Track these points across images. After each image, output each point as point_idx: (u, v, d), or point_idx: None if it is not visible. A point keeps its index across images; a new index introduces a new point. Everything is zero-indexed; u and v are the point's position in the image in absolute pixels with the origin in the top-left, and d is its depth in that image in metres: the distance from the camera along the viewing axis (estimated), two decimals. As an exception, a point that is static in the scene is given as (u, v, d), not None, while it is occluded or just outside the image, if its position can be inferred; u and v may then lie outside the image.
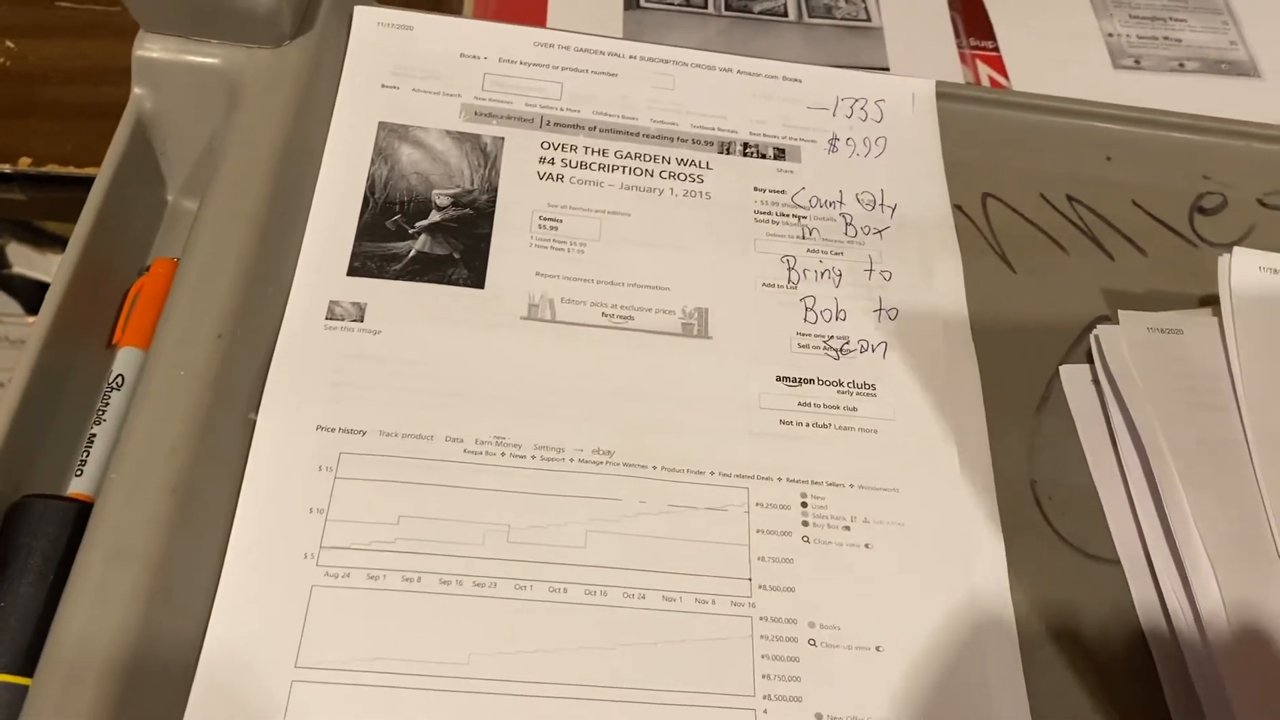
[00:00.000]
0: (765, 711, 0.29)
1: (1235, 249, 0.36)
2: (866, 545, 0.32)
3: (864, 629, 0.31)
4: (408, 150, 0.38)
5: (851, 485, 0.33)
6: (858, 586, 0.31)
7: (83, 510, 0.30)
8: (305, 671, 0.28)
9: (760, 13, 0.54)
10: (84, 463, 0.32)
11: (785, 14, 0.54)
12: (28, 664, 0.28)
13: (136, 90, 0.37)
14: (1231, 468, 0.33)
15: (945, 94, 0.42)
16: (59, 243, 0.85)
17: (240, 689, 0.28)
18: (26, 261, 0.87)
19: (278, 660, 0.28)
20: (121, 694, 0.26)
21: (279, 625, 0.29)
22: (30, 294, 0.90)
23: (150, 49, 0.37)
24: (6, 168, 0.49)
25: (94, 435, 0.33)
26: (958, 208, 0.40)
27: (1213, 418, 0.34)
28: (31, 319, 0.90)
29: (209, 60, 0.37)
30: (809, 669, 0.30)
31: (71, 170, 0.47)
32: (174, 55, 0.37)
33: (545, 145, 0.39)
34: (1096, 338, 0.36)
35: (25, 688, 0.27)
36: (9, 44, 0.51)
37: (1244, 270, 0.36)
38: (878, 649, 0.31)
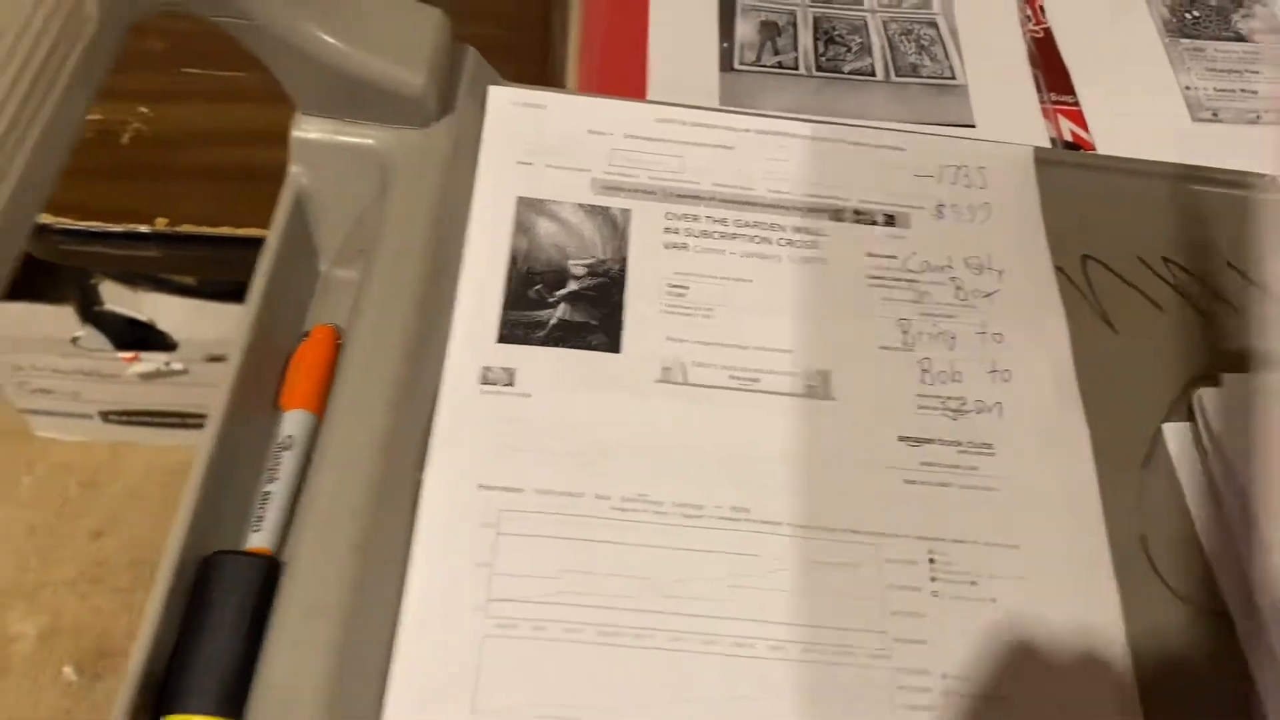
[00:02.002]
0: (904, 756, 0.31)
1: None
2: (992, 600, 0.34)
3: (993, 679, 0.33)
4: (544, 223, 0.40)
5: (974, 542, 0.35)
6: (986, 638, 0.33)
7: (270, 564, 0.33)
8: (482, 717, 0.30)
9: (849, 72, 0.56)
10: (260, 519, 0.35)
11: (873, 73, 0.56)
12: (229, 707, 0.31)
13: (294, 168, 0.40)
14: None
15: (1042, 159, 0.45)
16: (149, 281, 0.89)
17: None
18: (118, 299, 0.91)
19: (456, 708, 0.31)
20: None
21: (455, 674, 0.31)
22: (119, 330, 0.94)
23: (307, 130, 0.40)
24: (144, 228, 0.52)
25: (268, 493, 0.36)
26: (1059, 269, 0.42)
27: (1317, 476, 0.36)
28: (123, 354, 0.93)
29: (363, 141, 0.40)
30: (943, 717, 0.32)
31: (205, 230, 0.50)
32: (329, 136, 0.40)
33: (669, 216, 0.41)
34: (1200, 398, 0.38)
35: (230, 733, 0.30)
36: (142, 110, 0.55)
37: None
38: (1004, 698, 0.33)
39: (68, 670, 0.90)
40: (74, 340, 0.91)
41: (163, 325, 0.92)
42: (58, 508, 1.00)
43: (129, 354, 0.93)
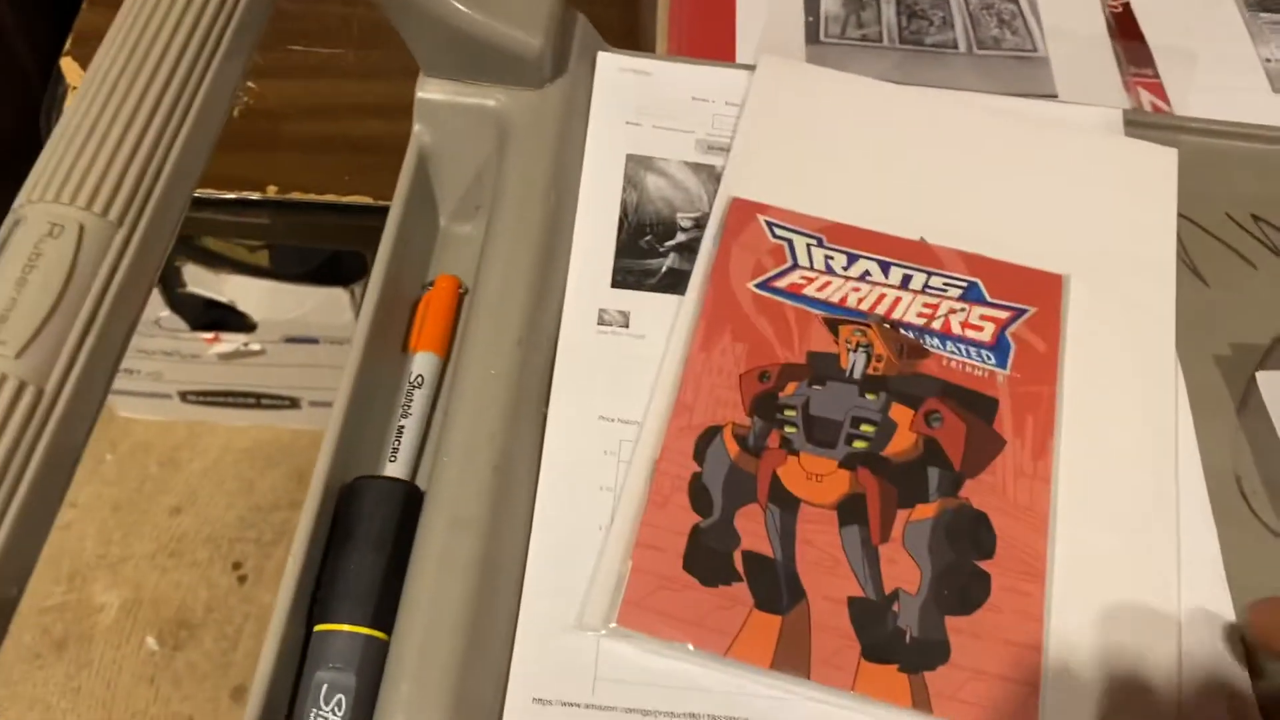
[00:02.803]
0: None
1: None
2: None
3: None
4: (653, 179, 0.42)
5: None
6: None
7: (409, 489, 0.35)
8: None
9: (932, 45, 0.58)
10: (396, 450, 0.37)
11: (956, 46, 0.58)
12: (378, 620, 0.33)
13: (417, 127, 0.42)
14: None
15: (1130, 121, 0.46)
16: (228, 263, 0.91)
17: (553, 648, 0.32)
18: (199, 281, 0.94)
19: (582, 619, 0.32)
20: (466, 649, 0.31)
21: (580, 588, 0.33)
22: (196, 312, 0.97)
23: (430, 91, 0.42)
24: (255, 195, 0.54)
25: (402, 427, 0.38)
26: (1151, 227, 0.43)
27: None
28: (205, 335, 0.96)
29: (483, 101, 0.42)
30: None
31: (312, 197, 0.52)
32: (451, 97, 0.42)
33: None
34: (1258, 381, 0.39)
35: (382, 641, 0.32)
36: (251, 85, 0.57)
37: None
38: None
39: (150, 640, 0.93)
40: (157, 321, 0.95)
41: (242, 307, 0.94)
42: (138, 485, 1.03)
43: (210, 334, 0.96)
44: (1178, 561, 0.35)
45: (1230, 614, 0.35)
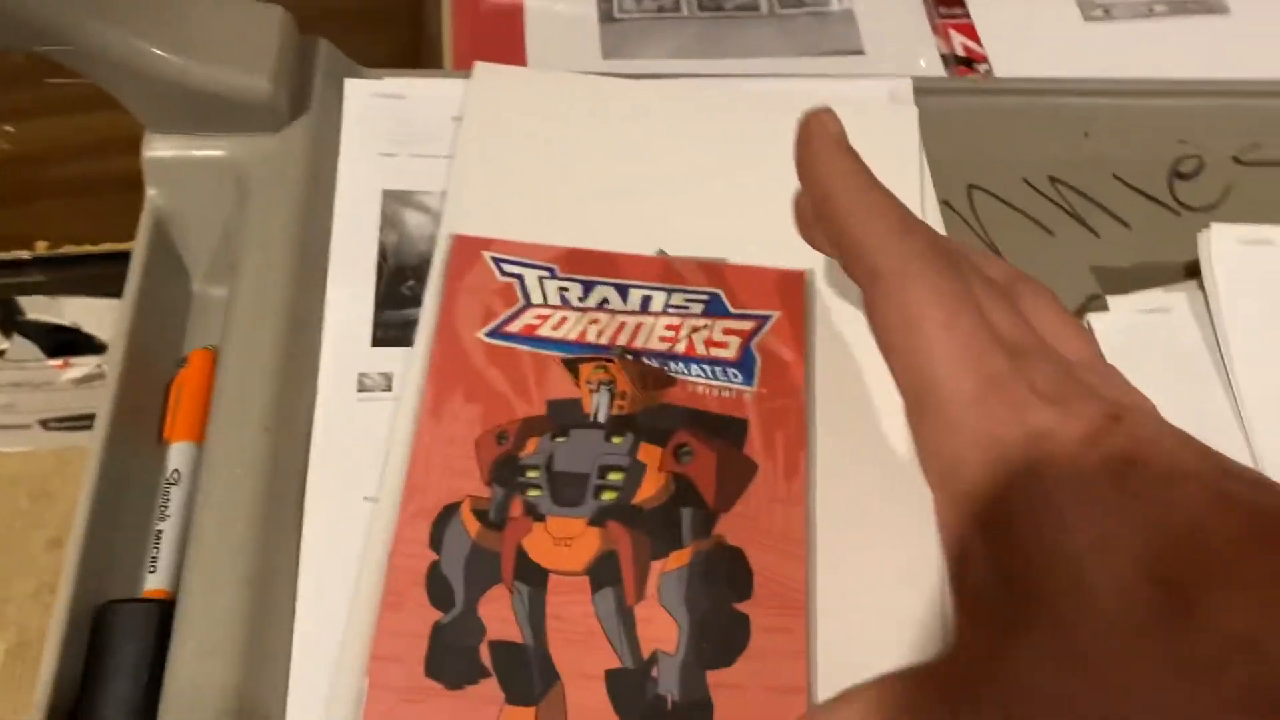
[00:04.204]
0: None
1: (1213, 225, 0.38)
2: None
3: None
4: (413, 215, 0.39)
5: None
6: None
7: (163, 608, 0.33)
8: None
9: (733, 9, 0.55)
10: (155, 559, 0.35)
11: (757, 7, 0.55)
12: (138, 756, 0.31)
13: (150, 190, 0.39)
14: (1224, 439, 0.35)
15: (922, 89, 0.44)
16: (69, 288, 0.87)
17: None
18: (38, 308, 0.89)
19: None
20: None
21: (344, 706, 0.31)
22: (46, 337, 0.93)
23: (158, 149, 0.39)
24: (25, 254, 0.50)
25: (160, 532, 0.35)
26: (945, 203, 0.42)
27: (1204, 390, 0.36)
28: (53, 362, 0.92)
29: (215, 153, 0.39)
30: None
31: (87, 249, 0.48)
32: (181, 152, 0.39)
33: (544, 194, 0.40)
34: (1089, 324, 0.38)
35: (142, 780, 0.30)
36: (7, 128, 0.53)
37: (1222, 246, 0.37)
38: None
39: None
40: (1, 354, 0.90)
41: (88, 329, 0.90)
42: (9, 522, 0.99)
43: (59, 361, 0.92)
44: (944, 571, 0.34)
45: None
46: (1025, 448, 0.22)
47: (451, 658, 0.30)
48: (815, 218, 0.29)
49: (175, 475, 0.36)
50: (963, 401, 0.23)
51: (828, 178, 0.27)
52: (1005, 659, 0.21)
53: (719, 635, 0.31)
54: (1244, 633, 0.18)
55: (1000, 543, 0.22)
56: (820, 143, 0.28)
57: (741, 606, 0.32)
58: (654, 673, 0.31)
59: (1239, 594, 0.19)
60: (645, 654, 0.31)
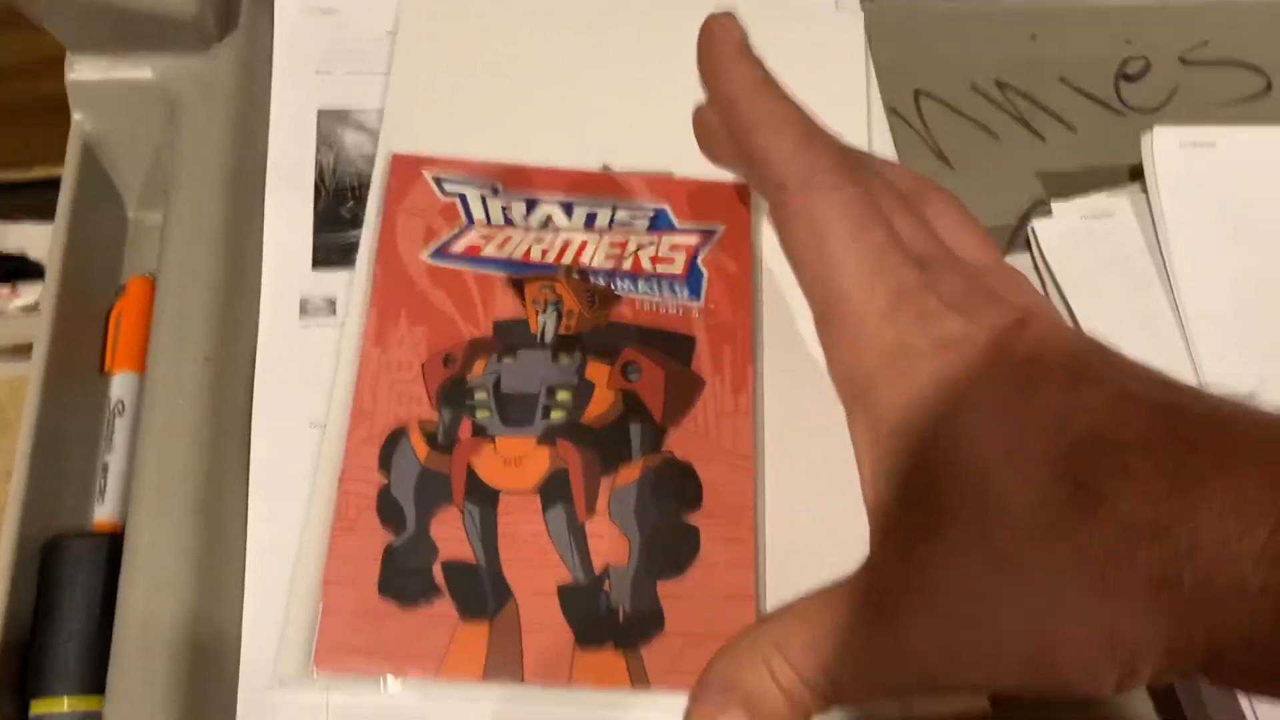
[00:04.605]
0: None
1: (1155, 128, 0.38)
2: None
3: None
4: (351, 135, 0.39)
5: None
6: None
7: (112, 541, 0.33)
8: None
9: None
10: (103, 490, 0.35)
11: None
12: (92, 688, 0.31)
13: (76, 115, 0.38)
14: (1162, 339, 0.36)
15: (868, -7, 0.43)
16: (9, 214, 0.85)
17: (280, 695, 0.30)
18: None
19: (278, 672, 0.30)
20: (185, 704, 0.29)
21: (299, 628, 0.31)
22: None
23: (81, 71, 0.37)
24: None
25: (107, 463, 0.35)
26: (892, 110, 0.41)
27: (1145, 294, 0.37)
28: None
29: (141, 75, 0.37)
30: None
31: (11, 176, 0.47)
32: (105, 75, 0.37)
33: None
34: (1032, 229, 0.38)
35: (96, 712, 0.30)
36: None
37: (1165, 148, 0.37)
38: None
39: None
40: (-56, 283, 0.88)
41: (34, 254, 0.88)
42: (-34, 453, 0.98)
43: (5, 288, 0.90)
44: None
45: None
46: (934, 358, 0.23)
47: (404, 578, 0.31)
48: (721, 128, 0.28)
49: (120, 406, 0.36)
50: (873, 315, 0.23)
51: (730, 84, 0.27)
52: (924, 563, 0.21)
53: (669, 547, 0.32)
54: (1150, 522, 0.19)
55: (912, 453, 0.22)
56: (723, 48, 0.27)
57: (691, 519, 0.32)
58: (606, 586, 0.31)
59: (1143, 486, 0.19)
60: (597, 568, 0.31)
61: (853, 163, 0.25)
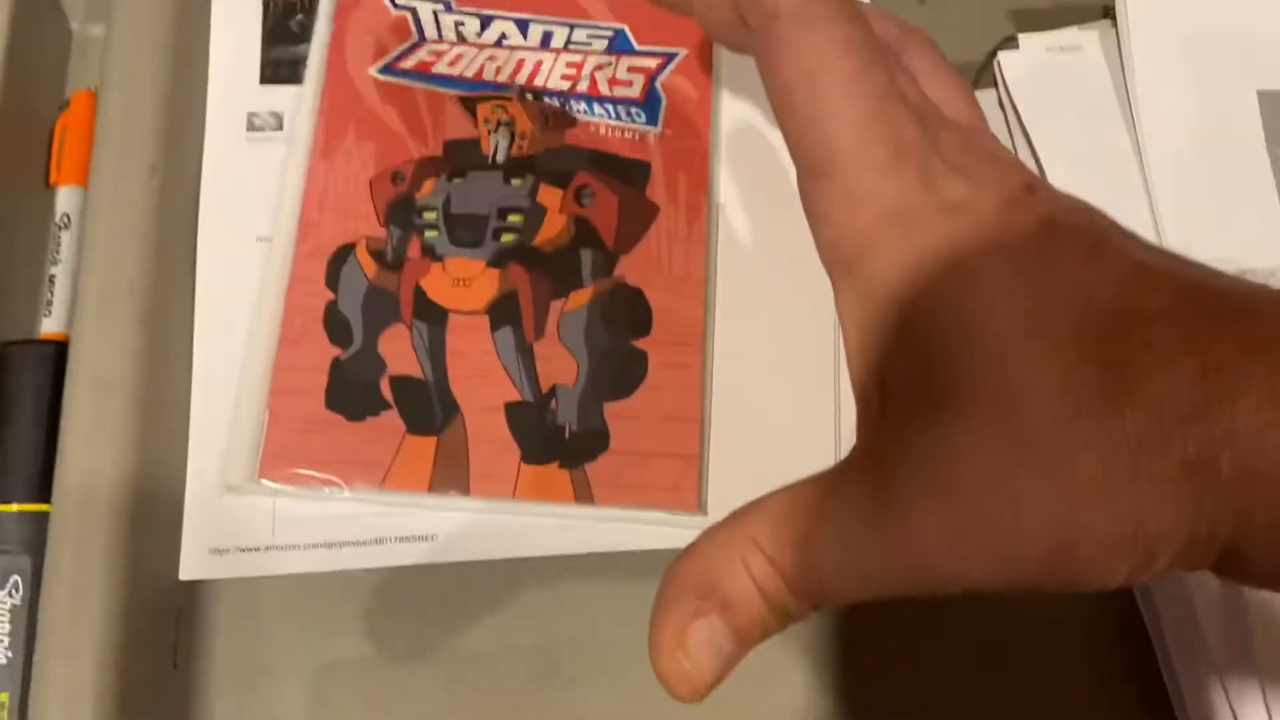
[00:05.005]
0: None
1: (1129, -40, 0.37)
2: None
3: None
4: (301, -56, 0.37)
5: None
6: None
7: (60, 349, 0.33)
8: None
9: None
10: (50, 303, 0.34)
11: None
12: (42, 494, 0.31)
13: (10, -87, 0.36)
14: (1121, 176, 0.35)
15: None
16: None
17: (227, 500, 0.31)
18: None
19: (225, 478, 0.31)
20: (129, 514, 0.30)
21: (246, 435, 0.31)
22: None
23: None
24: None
25: (54, 275, 0.35)
26: (863, -62, 0.40)
27: (1107, 130, 0.36)
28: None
29: None
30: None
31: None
32: (42, -126, 0.36)
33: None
34: (998, 63, 0.37)
35: (45, 514, 0.31)
36: None
37: (1137, -20, 0.36)
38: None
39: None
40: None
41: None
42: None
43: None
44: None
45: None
46: (939, 222, 0.20)
47: (352, 391, 0.31)
48: None
49: (65, 219, 0.35)
50: (871, 170, 0.21)
51: None
52: (935, 447, 0.19)
53: (617, 370, 0.32)
54: (1186, 404, 0.17)
55: (914, 325, 0.20)
56: None
57: (640, 343, 0.33)
58: (552, 405, 0.32)
59: (1175, 365, 0.18)
60: (544, 388, 0.32)
61: None
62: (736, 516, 0.21)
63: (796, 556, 0.20)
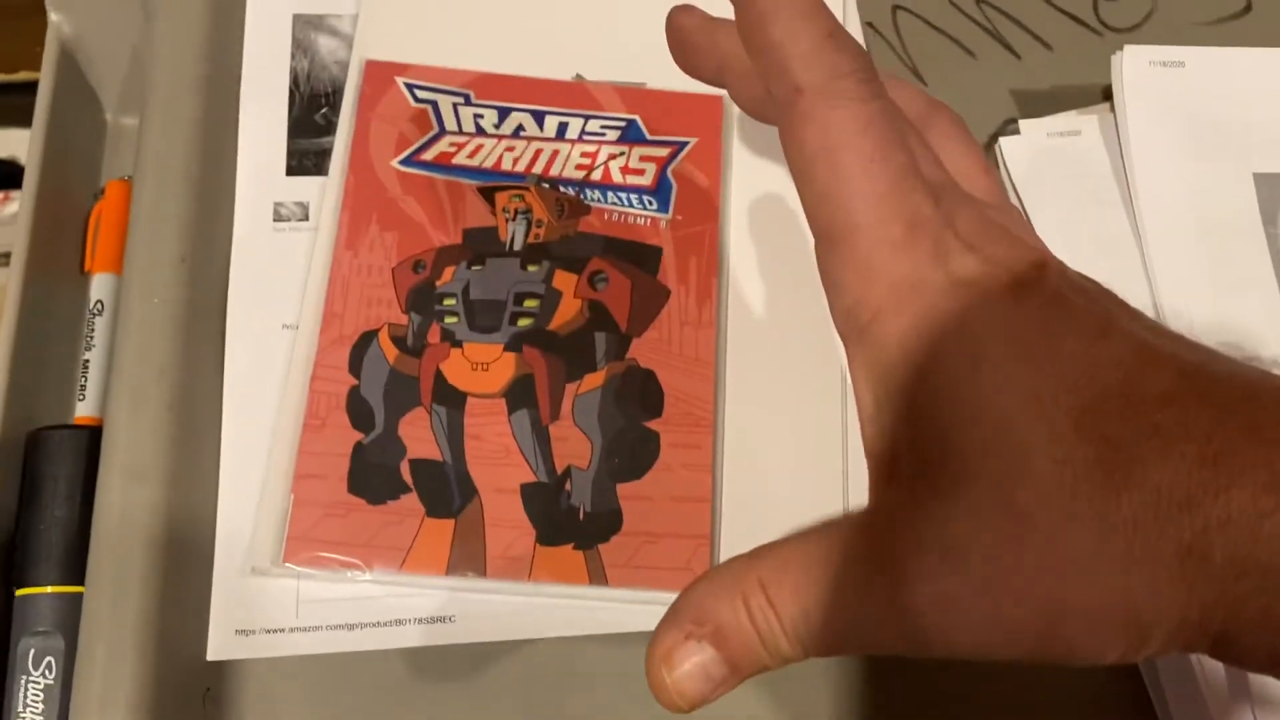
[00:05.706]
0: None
1: (1126, 47, 0.38)
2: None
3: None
4: (325, 40, 0.39)
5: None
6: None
7: (94, 434, 0.34)
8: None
9: None
10: (84, 387, 0.36)
11: None
12: (75, 576, 0.32)
13: (53, 16, 0.38)
14: (1121, 258, 0.36)
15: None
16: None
17: (252, 581, 0.32)
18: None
19: (251, 562, 0.32)
20: (159, 597, 0.31)
21: (271, 520, 0.32)
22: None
23: (57, -29, 0.37)
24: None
25: (88, 361, 0.36)
26: (869, 25, 0.41)
27: (1106, 214, 0.37)
28: (-5, 194, 0.90)
29: (119, -26, 0.37)
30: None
31: (4, 78, 0.47)
32: (81, -26, 0.37)
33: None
34: (1000, 147, 0.38)
35: (78, 594, 0.32)
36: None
37: (1135, 67, 0.37)
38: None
39: None
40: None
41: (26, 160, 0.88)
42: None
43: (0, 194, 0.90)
44: (844, 390, 0.35)
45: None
46: (950, 296, 0.21)
47: (373, 475, 0.32)
48: (700, 33, 0.26)
49: (99, 306, 0.37)
50: (886, 245, 0.21)
51: None
52: (936, 517, 0.20)
53: (630, 451, 0.33)
54: (1183, 490, 0.18)
55: (923, 398, 0.21)
56: None
57: (652, 424, 0.33)
58: (567, 486, 0.32)
59: (1174, 451, 0.18)
60: (559, 469, 0.33)
61: (875, 73, 0.22)
62: (754, 554, 0.22)
63: (794, 605, 0.21)
